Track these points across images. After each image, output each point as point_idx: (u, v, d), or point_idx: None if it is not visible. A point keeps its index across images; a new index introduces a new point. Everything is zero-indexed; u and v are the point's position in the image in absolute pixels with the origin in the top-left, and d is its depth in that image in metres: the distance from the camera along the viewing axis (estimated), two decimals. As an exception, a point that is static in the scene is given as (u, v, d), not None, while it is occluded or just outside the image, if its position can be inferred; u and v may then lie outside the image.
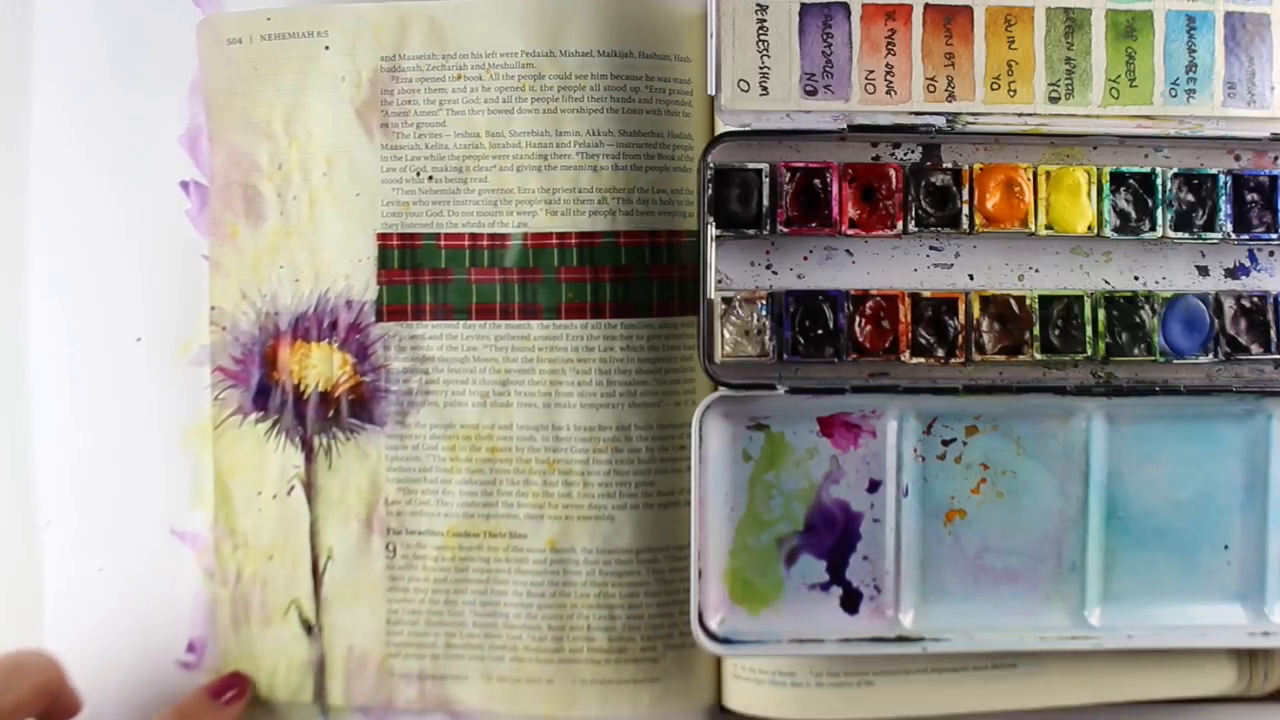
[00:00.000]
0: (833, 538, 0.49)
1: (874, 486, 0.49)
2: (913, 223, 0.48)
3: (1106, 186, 0.48)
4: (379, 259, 0.51)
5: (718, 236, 0.47)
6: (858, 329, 0.48)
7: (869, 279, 0.49)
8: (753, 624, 0.49)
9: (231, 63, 0.51)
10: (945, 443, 0.49)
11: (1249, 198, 0.48)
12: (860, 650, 0.48)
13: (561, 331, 0.50)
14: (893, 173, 0.48)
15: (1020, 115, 0.48)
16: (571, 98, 0.50)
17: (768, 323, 0.48)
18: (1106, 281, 0.49)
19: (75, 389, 0.52)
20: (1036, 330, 0.48)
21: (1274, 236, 0.48)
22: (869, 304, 0.48)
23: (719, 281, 0.48)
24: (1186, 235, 0.48)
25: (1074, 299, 0.48)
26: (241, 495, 0.52)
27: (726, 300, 0.48)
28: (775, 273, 0.49)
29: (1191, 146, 0.49)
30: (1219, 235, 0.48)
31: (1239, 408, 0.49)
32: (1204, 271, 0.49)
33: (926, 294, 0.48)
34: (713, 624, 0.48)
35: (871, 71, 0.47)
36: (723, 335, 0.48)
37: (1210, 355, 0.48)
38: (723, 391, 0.47)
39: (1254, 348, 0.48)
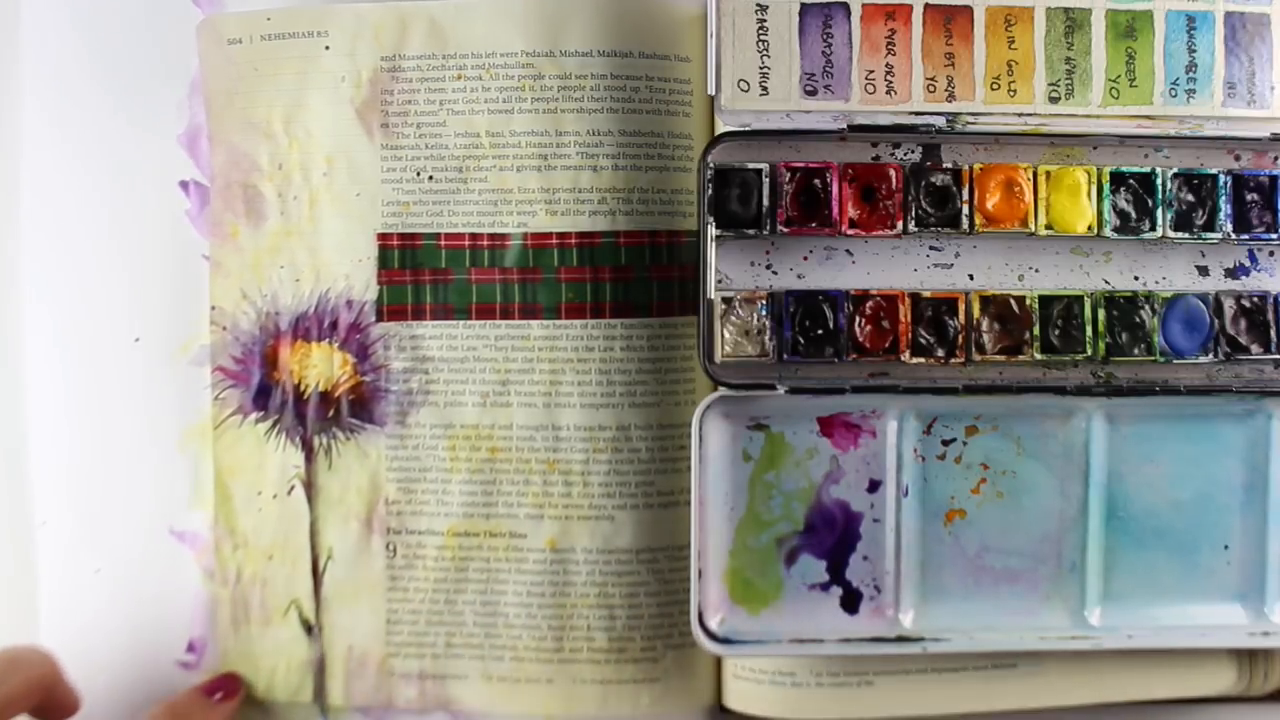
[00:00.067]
0: (833, 538, 0.49)
1: (874, 486, 0.49)
2: (913, 223, 0.48)
3: (1106, 186, 0.48)
4: (379, 259, 0.51)
5: (718, 236, 0.47)
6: (858, 329, 0.48)
7: (869, 279, 0.49)
8: (753, 624, 0.49)
9: (231, 63, 0.51)
10: (945, 443, 0.49)
11: (1249, 198, 0.48)
12: (860, 650, 0.48)
13: (561, 331, 0.50)
14: (893, 173, 0.48)
15: (1020, 115, 0.48)
16: (571, 98, 0.50)
17: (768, 323, 0.48)
18: (1106, 281, 0.49)
19: (74, 389, 0.52)
20: (1036, 330, 0.48)
21: (1274, 236, 0.48)
22: (869, 304, 0.48)
23: (719, 281, 0.48)
24: (1186, 235, 0.48)
25: (1074, 299, 0.48)
26: (241, 495, 0.52)
27: (726, 300, 0.48)
28: (775, 273, 0.49)
29: (1191, 146, 0.49)
30: (1219, 235, 0.48)
31: (1239, 408, 0.49)
32: (1204, 271, 0.49)
33: (926, 294, 0.48)
34: (713, 624, 0.48)
35: (871, 71, 0.47)
36: (723, 335, 0.48)
37: (1210, 355, 0.48)
38: (723, 391, 0.47)
39: (1254, 348, 0.48)
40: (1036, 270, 0.49)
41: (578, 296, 0.50)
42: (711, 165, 0.47)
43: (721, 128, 0.47)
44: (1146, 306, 0.48)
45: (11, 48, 0.52)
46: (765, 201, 0.47)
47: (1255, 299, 0.48)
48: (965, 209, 0.48)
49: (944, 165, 0.48)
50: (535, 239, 0.50)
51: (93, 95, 0.52)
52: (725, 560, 0.49)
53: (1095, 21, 0.48)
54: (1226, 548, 0.49)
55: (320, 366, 0.51)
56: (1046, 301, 0.48)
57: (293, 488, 0.51)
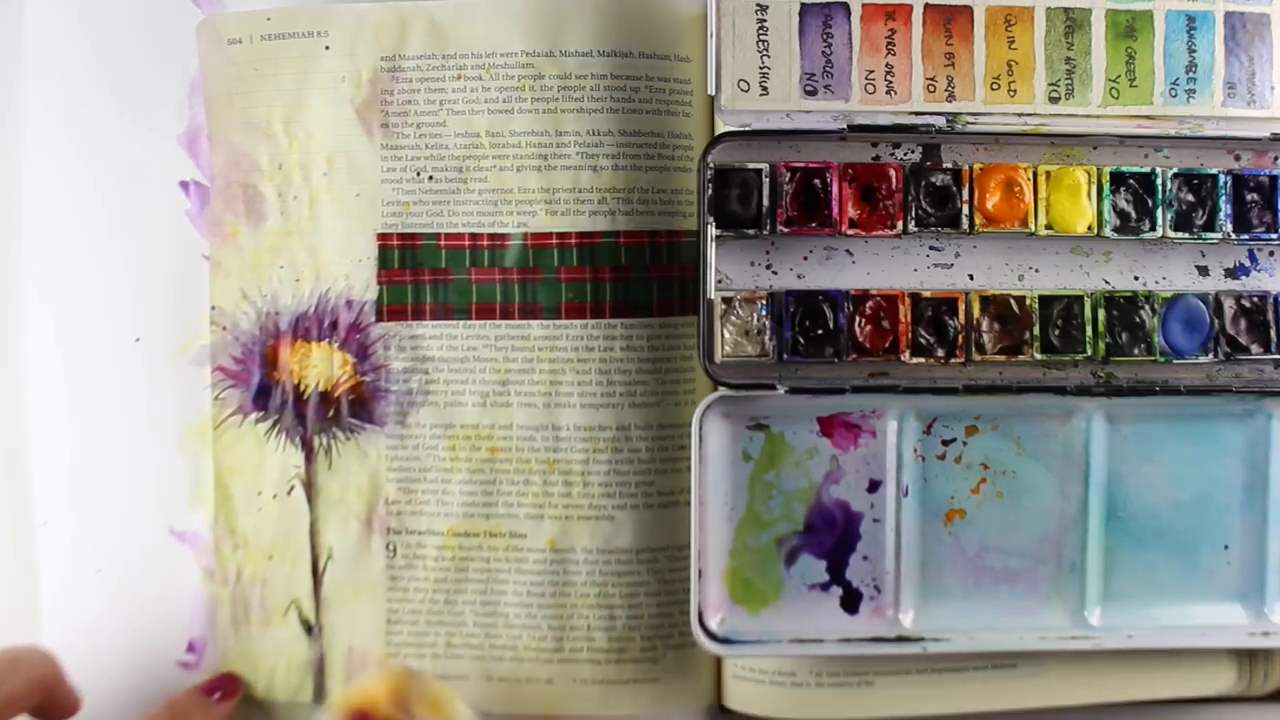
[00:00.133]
0: (833, 538, 0.49)
1: (874, 486, 0.49)
2: (913, 223, 0.48)
3: (1106, 186, 0.48)
4: (379, 259, 0.51)
5: (718, 236, 0.47)
6: (858, 329, 0.48)
7: (869, 279, 0.49)
8: (753, 624, 0.49)
9: (231, 63, 0.51)
10: (945, 443, 0.49)
11: (1249, 198, 0.48)
12: (860, 650, 0.48)
13: (561, 331, 0.50)
14: (893, 173, 0.48)
15: (1020, 115, 0.48)
16: (571, 98, 0.50)
17: (768, 323, 0.48)
18: (1106, 281, 0.49)
19: (74, 389, 0.52)
20: (1036, 330, 0.48)
21: (1274, 236, 0.48)
22: (869, 304, 0.48)
23: (719, 281, 0.48)
24: (1186, 235, 0.48)
25: (1074, 299, 0.48)
26: (241, 495, 0.52)
27: (726, 300, 0.48)
28: (775, 273, 0.49)
29: (1191, 146, 0.49)
30: (1219, 235, 0.48)
31: (1239, 408, 0.49)
32: (1204, 271, 0.49)
33: (926, 294, 0.48)
34: (713, 624, 0.48)
35: (871, 71, 0.47)
36: (723, 335, 0.48)
37: (1210, 355, 0.48)
38: (723, 391, 0.47)
39: (1254, 348, 0.48)
40: (1036, 270, 0.49)
41: (578, 296, 0.50)
42: (711, 165, 0.47)
43: (721, 128, 0.47)
44: (1146, 306, 0.48)
45: (15, 48, 0.52)
46: (765, 201, 0.47)
47: (1255, 299, 0.48)
48: (965, 209, 0.48)
49: (944, 165, 0.48)
50: (535, 239, 0.50)
51: (94, 96, 0.52)
52: (725, 560, 0.49)
53: (1095, 21, 0.48)
54: (1226, 548, 0.49)
55: (320, 366, 0.51)
56: (1046, 301, 0.48)
57: (293, 488, 0.51)
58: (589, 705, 0.50)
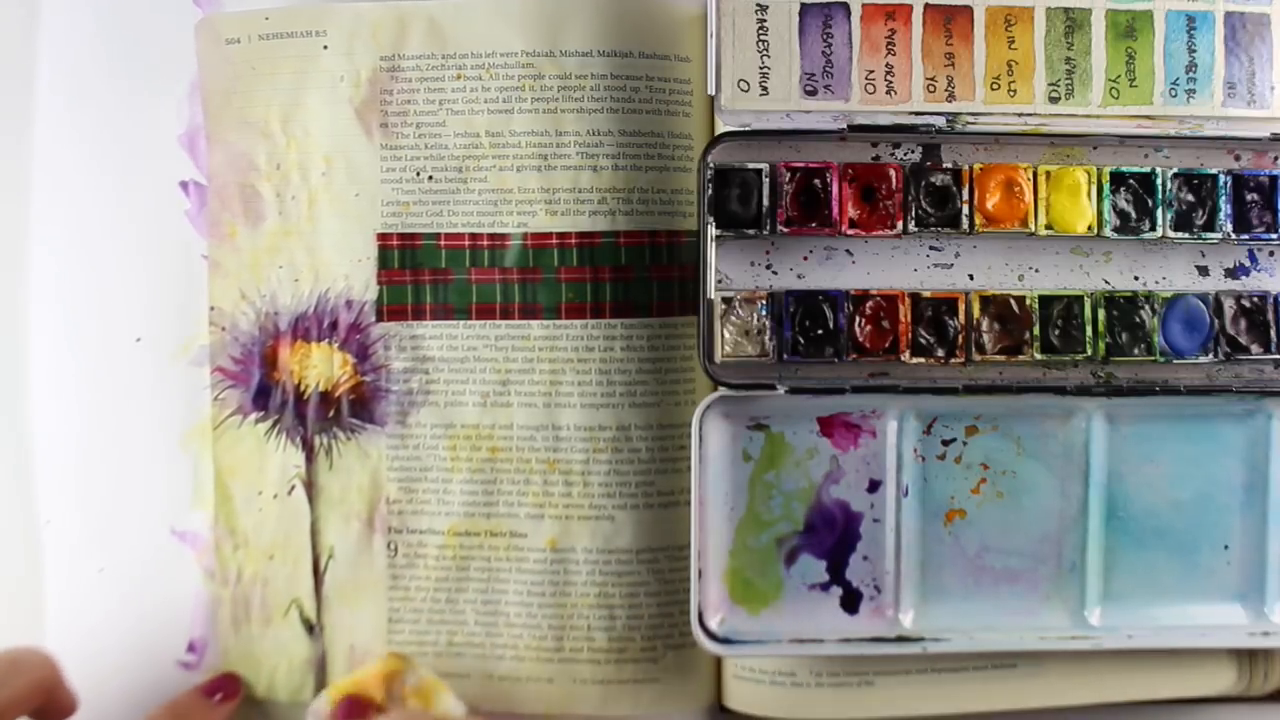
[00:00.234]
0: (833, 538, 0.49)
1: (874, 486, 0.49)
2: (913, 223, 0.48)
3: (1106, 186, 0.48)
4: (379, 259, 0.51)
5: (718, 236, 0.47)
6: (858, 329, 0.48)
7: (869, 279, 0.49)
8: (753, 624, 0.49)
9: (229, 62, 0.51)
10: (945, 443, 0.49)
11: (1249, 198, 0.48)
12: (860, 650, 0.48)
13: (561, 331, 0.50)
14: (893, 173, 0.48)
15: (1020, 115, 0.48)
16: (571, 98, 0.50)
17: (768, 323, 0.48)
18: (1106, 281, 0.49)
19: (75, 389, 0.52)
20: (1036, 330, 0.48)
21: (1274, 236, 0.48)
22: (869, 304, 0.48)
23: (719, 281, 0.48)
24: (1186, 235, 0.48)
25: (1074, 299, 0.48)
26: (242, 495, 0.52)
27: (726, 300, 0.48)
28: (775, 273, 0.49)
29: (1191, 146, 0.49)
30: (1219, 235, 0.48)
31: (1239, 408, 0.49)
32: (1204, 271, 0.49)
33: (926, 294, 0.48)
34: (713, 624, 0.48)
35: (871, 71, 0.47)
36: (723, 335, 0.48)
37: (1210, 355, 0.48)
38: (723, 391, 0.47)
39: (1254, 348, 0.48)
40: (1036, 270, 0.49)
41: (578, 296, 0.50)
42: (711, 165, 0.47)
43: (721, 128, 0.47)
44: (1146, 306, 0.48)
45: (29, 49, 0.52)
46: (765, 201, 0.47)
47: (1255, 299, 0.48)
48: (965, 209, 0.48)
49: (944, 165, 0.48)
50: (535, 239, 0.50)
51: (94, 95, 0.52)
52: (725, 560, 0.49)
53: (1095, 21, 0.48)
54: (1226, 548, 0.49)
55: (320, 367, 0.51)
56: (1046, 301, 0.48)
57: (293, 487, 0.51)
58: (589, 705, 0.50)
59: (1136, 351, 0.48)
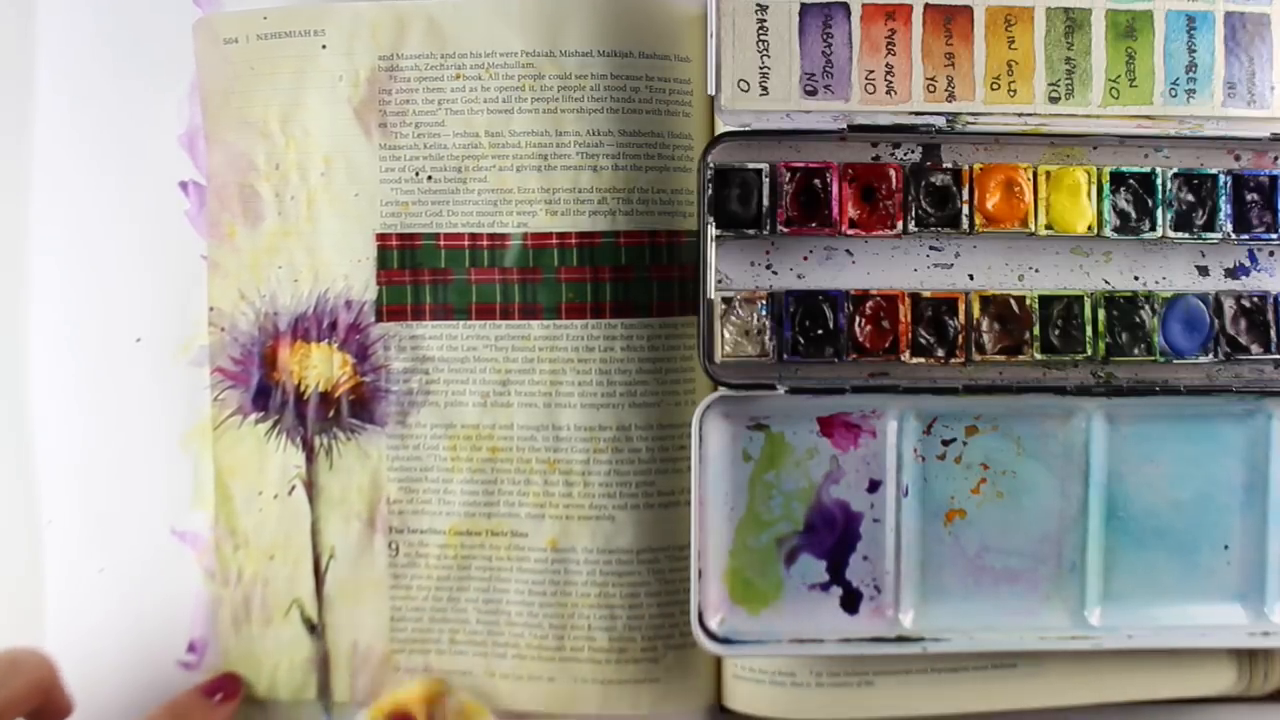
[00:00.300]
0: (833, 538, 0.49)
1: (874, 486, 0.49)
2: (913, 223, 0.48)
3: (1106, 186, 0.48)
4: (378, 259, 0.51)
5: (718, 236, 0.47)
6: (858, 329, 0.48)
7: (869, 279, 0.49)
8: (753, 624, 0.49)
9: (228, 62, 0.51)
10: (945, 443, 0.49)
11: (1249, 198, 0.48)
12: (860, 650, 0.48)
13: (561, 331, 0.50)
14: (893, 173, 0.48)
15: (1020, 115, 0.48)
16: (571, 98, 0.49)
17: (768, 323, 0.48)
18: (1106, 281, 0.49)
19: (76, 389, 0.52)
20: (1036, 330, 0.48)
21: (1274, 236, 0.48)
22: (869, 304, 0.48)
23: (719, 281, 0.48)
24: (1186, 235, 0.48)
25: (1074, 299, 0.48)
26: (242, 495, 0.52)
27: (726, 300, 0.48)
28: (775, 273, 0.49)
29: (1191, 146, 0.48)
30: (1219, 235, 0.48)
31: (1239, 408, 0.49)
32: (1204, 271, 0.49)
33: (926, 294, 0.48)
34: (713, 624, 0.48)
35: (871, 71, 0.47)
36: (723, 335, 0.48)
37: (1210, 355, 0.48)
38: (723, 391, 0.47)
39: (1254, 348, 0.48)
40: (1036, 270, 0.49)
41: (578, 296, 0.50)
42: (711, 165, 0.47)
43: (721, 128, 0.47)
44: (1146, 306, 0.48)
45: (27, 48, 0.52)
46: (765, 201, 0.47)
47: (1255, 299, 0.48)
48: (965, 209, 0.48)
49: (944, 165, 0.48)
50: (535, 239, 0.50)
51: (94, 95, 0.52)
52: (725, 560, 0.49)
53: (1095, 21, 0.47)
54: (1226, 548, 0.49)
55: (320, 367, 0.51)
56: (1046, 301, 0.48)
57: (294, 488, 0.51)
58: (590, 704, 0.51)
59: (1136, 351, 0.48)
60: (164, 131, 0.52)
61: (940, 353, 0.48)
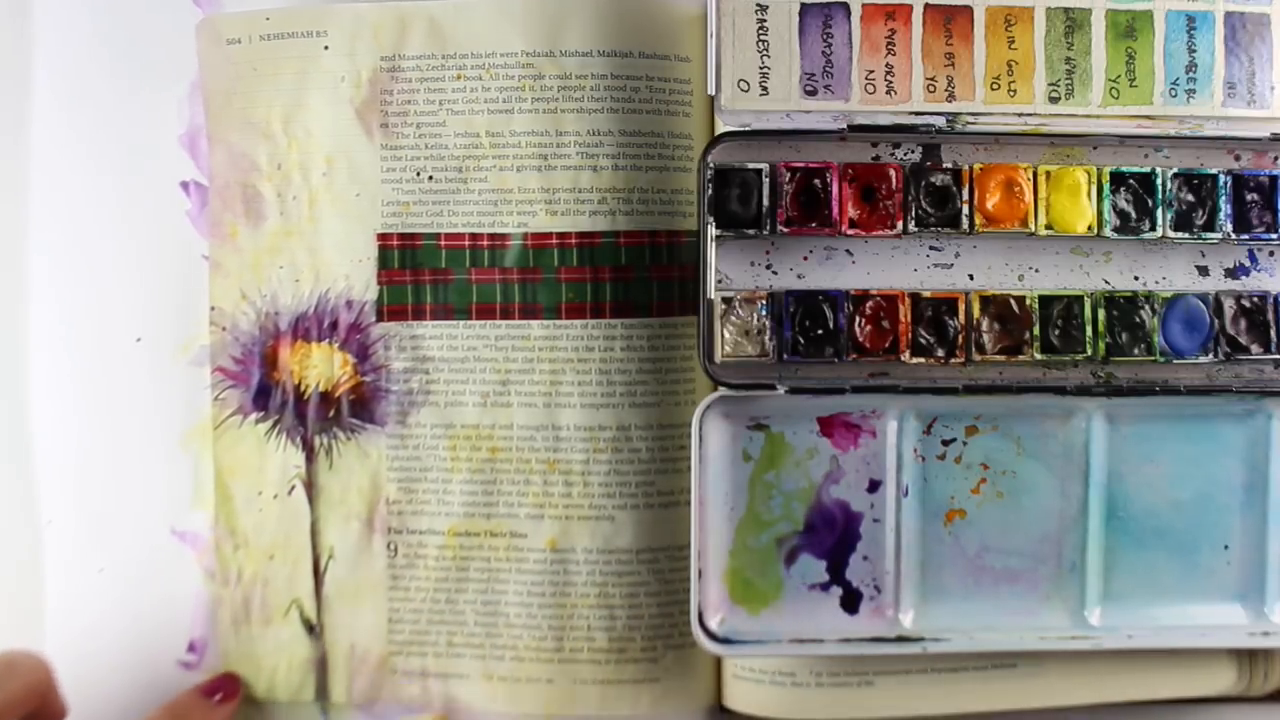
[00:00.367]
0: (833, 538, 0.49)
1: (874, 486, 0.49)
2: (913, 223, 0.48)
3: (1106, 186, 0.48)
4: (379, 259, 0.51)
5: (718, 236, 0.47)
6: (858, 329, 0.48)
7: (869, 279, 0.49)
8: (753, 624, 0.49)
9: (230, 62, 0.51)
10: (945, 443, 0.49)
11: (1249, 198, 0.48)
12: (860, 650, 0.48)
13: (561, 331, 0.50)
14: (893, 173, 0.48)
15: (1020, 115, 0.48)
16: (571, 98, 0.50)
17: (768, 323, 0.48)
18: (1106, 281, 0.49)
19: (76, 389, 0.52)
20: (1036, 330, 0.48)
21: (1274, 236, 0.48)
22: (869, 304, 0.48)
23: (719, 281, 0.48)
24: (1186, 235, 0.48)
25: (1074, 299, 0.48)
26: (242, 495, 0.52)
27: (726, 300, 0.48)
28: (775, 273, 0.49)
29: (1191, 146, 0.48)
30: (1219, 235, 0.48)
31: (1239, 408, 0.49)
32: (1204, 271, 0.49)
33: (926, 294, 0.48)
34: (713, 624, 0.48)
35: (871, 71, 0.47)
36: (723, 335, 0.48)
37: (1210, 355, 0.48)
38: (723, 391, 0.47)
39: (1254, 348, 0.48)
40: (1036, 270, 0.49)
41: (578, 296, 0.50)
42: (711, 165, 0.47)
43: (721, 128, 0.47)
44: (1146, 306, 0.48)
45: (24, 48, 0.52)
46: (765, 201, 0.47)
47: (1255, 299, 0.48)
48: (965, 209, 0.48)
49: (944, 165, 0.48)
50: (535, 239, 0.50)
51: (94, 95, 0.52)
52: (725, 560, 0.49)
53: (1095, 21, 0.48)
54: (1226, 548, 0.49)
55: (320, 367, 0.51)
56: (1046, 301, 0.48)
57: (293, 488, 0.51)
58: (589, 705, 0.50)
59: (1136, 351, 0.48)
60: (164, 131, 0.52)
61: (940, 353, 0.48)
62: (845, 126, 0.47)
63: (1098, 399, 0.48)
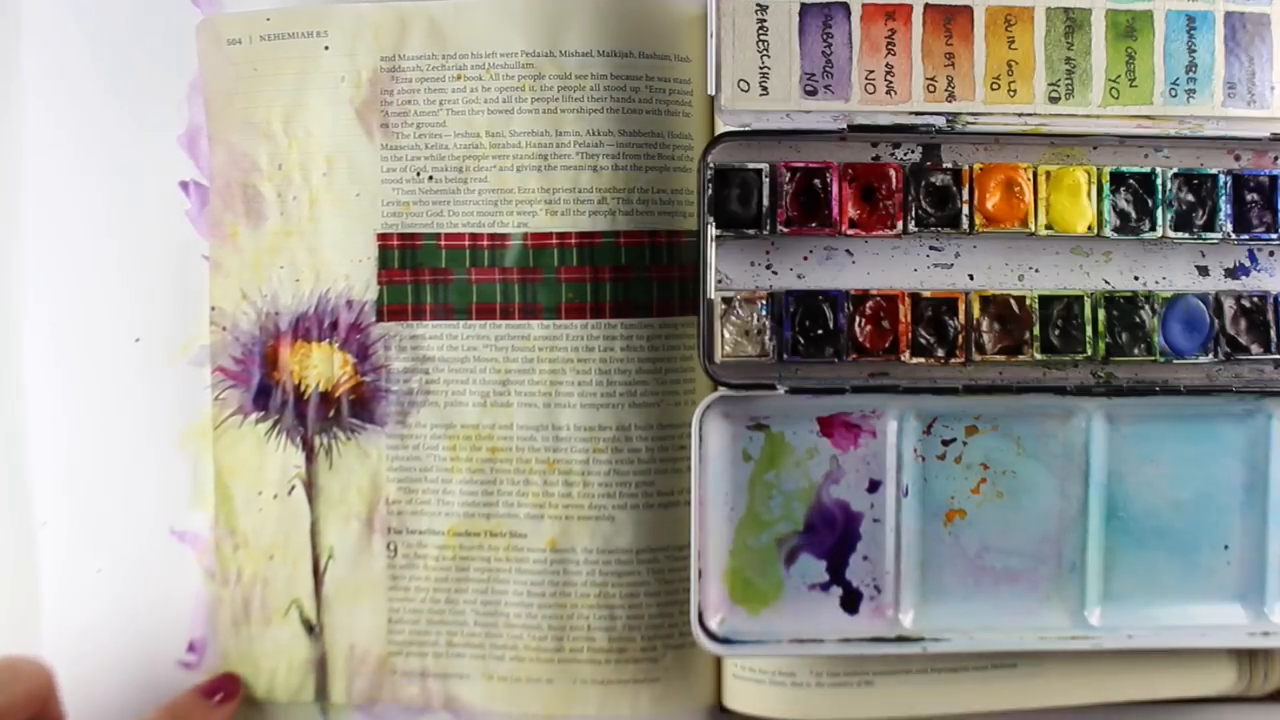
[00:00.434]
0: (833, 538, 0.49)
1: (874, 486, 0.49)
2: (913, 223, 0.48)
3: (1106, 186, 0.48)
4: (379, 259, 0.51)
5: (718, 236, 0.47)
6: (858, 329, 0.48)
7: (869, 279, 0.49)
8: (753, 624, 0.49)
9: (231, 63, 0.51)
10: (945, 443, 0.49)
11: (1249, 198, 0.48)
12: (860, 650, 0.48)
13: (561, 331, 0.50)
14: (893, 173, 0.48)
15: (1020, 115, 0.48)
16: (571, 98, 0.50)
17: (768, 323, 0.48)
18: (1106, 281, 0.49)
19: (74, 389, 0.52)
20: (1036, 330, 0.48)
21: (1274, 236, 0.48)
22: (869, 304, 0.48)
23: (719, 281, 0.48)
24: (1186, 235, 0.48)
25: (1074, 299, 0.48)
26: (242, 495, 0.52)
27: (726, 300, 0.48)
28: (775, 273, 0.49)
29: (1191, 146, 0.48)
30: (1219, 235, 0.48)
31: (1239, 408, 0.49)
32: (1204, 271, 0.49)
33: (926, 294, 0.48)
34: (713, 624, 0.48)
35: (871, 71, 0.47)
36: (723, 335, 0.48)
37: (1210, 355, 0.48)
38: (723, 391, 0.47)
39: (1254, 348, 0.48)
40: (1036, 270, 0.49)
41: (578, 296, 0.50)
42: (711, 165, 0.47)
43: (721, 128, 0.47)
44: (1146, 306, 0.48)
45: (14, 48, 0.52)
46: (765, 201, 0.47)
47: (1255, 299, 0.48)
48: (965, 209, 0.48)
49: (944, 165, 0.48)
50: (535, 239, 0.50)
51: (94, 96, 0.52)
52: (725, 560, 0.49)
53: (1095, 21, 0.48)
54: (1226, 548, 0.49)
55: (320, 367, 0.51)
56: (1046, 301, 0.48)
57: (293, 488, 0.51)
58: (589, 705, 0.50)
59: (1136, 351, 0.48)
60: (164, 132, 0.52)
61: (940, 353, 0.48)
62: (845, 126, 0.47)
63: (1098, 399, 0.48)
